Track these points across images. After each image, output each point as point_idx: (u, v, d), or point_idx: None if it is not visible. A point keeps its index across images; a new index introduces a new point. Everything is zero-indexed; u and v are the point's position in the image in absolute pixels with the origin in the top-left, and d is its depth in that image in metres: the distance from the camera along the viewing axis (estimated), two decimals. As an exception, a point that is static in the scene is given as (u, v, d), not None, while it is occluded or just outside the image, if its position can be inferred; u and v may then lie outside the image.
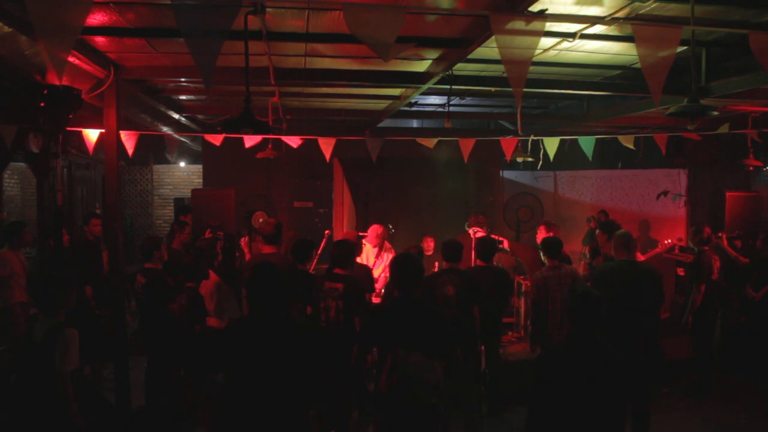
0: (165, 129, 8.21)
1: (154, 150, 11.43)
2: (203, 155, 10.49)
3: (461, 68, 5.37)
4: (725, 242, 7.06)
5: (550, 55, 5.20)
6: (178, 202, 10.79)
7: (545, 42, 4.72)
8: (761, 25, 4.32)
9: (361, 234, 6.65)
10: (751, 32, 3.35)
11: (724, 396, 6.04)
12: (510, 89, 3.44)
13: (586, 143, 6.71)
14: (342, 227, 9.22)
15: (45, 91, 4.40)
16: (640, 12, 4.05)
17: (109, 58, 5.00)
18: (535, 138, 6.63)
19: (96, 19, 4.07)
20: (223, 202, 7.16)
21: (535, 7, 3.51)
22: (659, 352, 4.81)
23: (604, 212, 9.41)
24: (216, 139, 6.51)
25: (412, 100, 7.20)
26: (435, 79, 5.38)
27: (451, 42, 4.67)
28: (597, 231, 5.67)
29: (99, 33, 4.35)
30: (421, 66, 5.53)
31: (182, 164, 12.40)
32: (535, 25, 3.31)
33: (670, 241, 7.49)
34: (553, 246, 5.34)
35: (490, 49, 4.63)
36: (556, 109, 9.01)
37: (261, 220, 6.96)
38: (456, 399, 4.70)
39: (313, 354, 3.02)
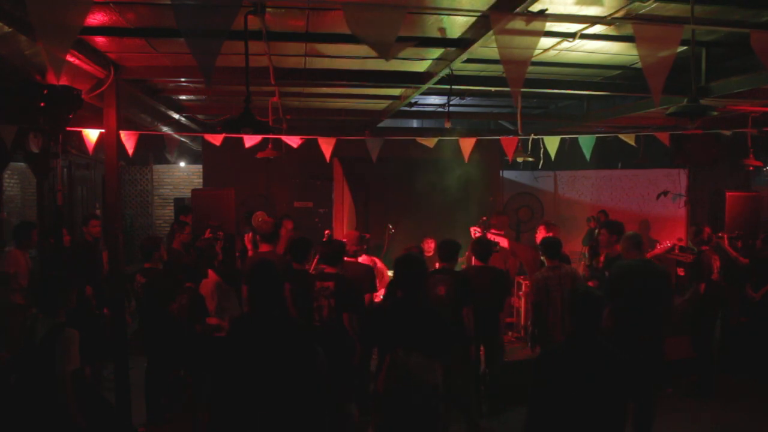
0: (165, 129, 8.21)
1: (154, 150, 11.42)
2: (203, 155, 10.50)
3: (461, 68, 5.36)
4: (726, 242, 7.06)
5: (550, 55, 5.19)
6: (178, 202, 10.76)
7: (545, 42, 4.71)
8: (761, 25, 4.32)
9: (365, 235, 6.60)
10: (753, 31, 3.34)
11: (724, 396, 6.04)
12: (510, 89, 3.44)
13: (586, 143, 6.71)
14: (342, 227, 9.22)
15: (45, 91, 4.39)
16: (640, 12, 4.05)
17: (109, 58, 5.00)
18: (536, 137, 6.63)
19: (96, 19, 4.07)
20: (223, 202, 7.17)
21: (535, 7, 3.51)
22: (661, 352, 4.81)
23: (604, 212, 9.41)
24: (216, 139, 6.51)
25: (412, 100, 7.19)
26: (435, 79, 5.38)
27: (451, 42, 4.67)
28: (600, 230, 5.64)
29: (99, 33, 4.35)
30: (421, 66, 5.53)
31: (182, 164, 12.39)
32: (535, 24, 3.31)
33: (669, 243, 7.48)
34: (552, 246, 5.34)
35: (490, 49, 4.63)
36: (556, 109, 9.00)
37: (260, 219, 6.96)
38: (456, 399, 4.70)
39: (313, 354, 3.02)
